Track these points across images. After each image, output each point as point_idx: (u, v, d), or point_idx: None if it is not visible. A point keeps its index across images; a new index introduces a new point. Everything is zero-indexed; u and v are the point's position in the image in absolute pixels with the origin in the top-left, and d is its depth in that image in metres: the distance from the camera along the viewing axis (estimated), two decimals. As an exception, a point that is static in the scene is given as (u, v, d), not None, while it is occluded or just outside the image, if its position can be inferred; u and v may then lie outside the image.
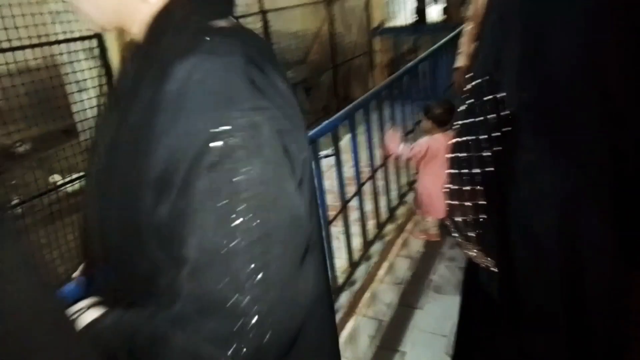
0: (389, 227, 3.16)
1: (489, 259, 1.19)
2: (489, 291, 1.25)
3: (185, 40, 0.64)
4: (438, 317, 2.39)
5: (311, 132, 2.31)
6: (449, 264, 2.82)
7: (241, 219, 0.59)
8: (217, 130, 0.59)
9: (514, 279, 1.16)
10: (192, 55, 0.62)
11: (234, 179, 0.59)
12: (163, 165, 0.60)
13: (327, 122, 2.43)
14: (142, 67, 0.66)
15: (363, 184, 2.84)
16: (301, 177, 0.69)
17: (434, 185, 2.95)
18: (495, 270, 1.18)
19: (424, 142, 2.98)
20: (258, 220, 0.60)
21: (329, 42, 6.28)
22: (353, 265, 2.71)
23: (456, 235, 1.21)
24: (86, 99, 2.81)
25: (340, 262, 2.69)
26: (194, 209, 0.59)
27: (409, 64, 3.81)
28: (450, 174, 1.17)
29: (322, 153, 2.63)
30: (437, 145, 2.94)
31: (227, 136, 0.59)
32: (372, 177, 2.99)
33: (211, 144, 0.59)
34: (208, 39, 0.64)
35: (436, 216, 3.05)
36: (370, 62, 7.06)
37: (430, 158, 2.95)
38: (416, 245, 3.09)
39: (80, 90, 2.80)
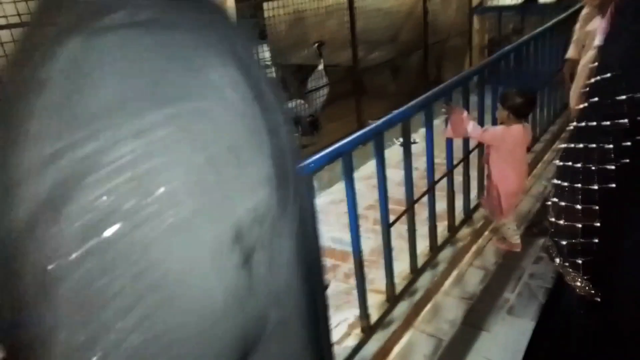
0: (463, 231, 2.83)
1: (596, 291, 1.01)
2: (584, 327, 1.11)
3: (75, 10, 0.41)
4: (506, 343, 2.07)
5: (378, 123, 2.06)
6: (529, 282, 2.46)
7: (104, 320, 0.35)
8: (72, 163, 0.35)
9: (628, 318, 0.99)
10: (73, 35, 0.39)
11: (100, 249, 0.35)
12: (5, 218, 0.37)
13: (397, 111, 2.16)
14: (22, 50, 0.44)
15: (436, 182, 2.53)
16: (255, 239, 0.42)
17: (507, 182, 2.61)
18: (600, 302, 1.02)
19: (499, 129, 2.61)
20: (135, 322, 0.35)
21: (422, 20, 5.85)
22: (416, 271, 2.44)
23: (559, 260, 1.03)
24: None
25: (402, 266, 2.44)
26: (21, 300, 0.36)
27: (507, 47, 3.38)
28: (559, 187, 0.99)
29: (398, 141, 2.38)
30: (513, 137, 2.58)
31: (91, 171, 0.35)
32: (448, 173, 2.67)
33: (62, 187, 0.35)
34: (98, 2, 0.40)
35: (507, 216, 2.70)
36: (468, 43, 6.53)
37: (504, 151, 2.60)
38: (493, 255, 2.74)
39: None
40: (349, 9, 4.39)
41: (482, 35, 6.52)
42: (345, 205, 2.01)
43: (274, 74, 7.10)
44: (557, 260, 1.03)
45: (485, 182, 2.83)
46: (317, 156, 1.71)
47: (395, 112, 2.15)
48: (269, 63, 7.01)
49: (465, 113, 2.57)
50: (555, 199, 1.01)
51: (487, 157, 2.73)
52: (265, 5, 6.11)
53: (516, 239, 2.74)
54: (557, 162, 1.01)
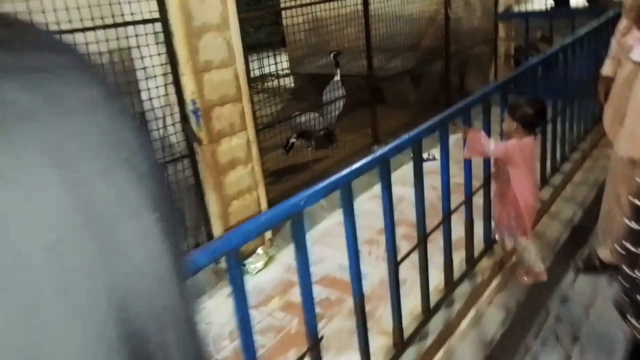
0: (483, 264, 2.58)
1: None
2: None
3: None
4: (530, 403, 1.83)
5: (385, 149, 1.84)
6: (555, 326, 2.20)
7: None
8: None
9: None
10: None
11: None
12: None
13: (407, 135, 1.94)
14: None
15: (452, 212, 2.30)
16: None
17: (527, 196, 2.40)
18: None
19: (516, 142, 2.37)
20: None
21: (445, 27, 5.60)
22: (428, 311, 2.20)
23: (635, 321, 0.89)
24: (153, 87, 2.59)
25: (414, 302, 2.21)
26: None
27: (533, 60, 3.12)
28: (635, 233, 0.84)
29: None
30: (529, 148, 2.38)
31: None
32: (466, 201, 2.44)
33: None
34: None
35: (527, 235, 2.45)
36: (493, 50, 6.24)
37: (521, 164, 2.37)
38: (516, 291, 2.48)
39: (147, 78, 2.58)
40: (364, 16, 4.18)
41: (508, 42, 6.23)
42: (358, 224, 1.78)
43: (292, 84, 6.96)
44: (633, 321, 0.89)
45: (496, 203, 2.56)
46: (311, 190, 1.50)
47: (405, 136, 1.93)
48: (287, 72, 6.86)
49: (482, 132, 2.36)
50: (630, 247, 0.84)
51: (498, 174, 2.49)
52: (284, 13, 5.97)
53: (540, 266, 2.49)
54: (635, 200, 0.86)
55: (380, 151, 1.83)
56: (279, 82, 5.94)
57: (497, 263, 2.62)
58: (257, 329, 2.41)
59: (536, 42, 6.12)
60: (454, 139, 2.28)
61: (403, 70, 5.69)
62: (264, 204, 2.99)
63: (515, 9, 6.31)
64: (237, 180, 2.80)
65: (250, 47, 6.70)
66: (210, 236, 2.79)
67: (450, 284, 2.35)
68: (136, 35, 2.42)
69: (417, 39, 5.87)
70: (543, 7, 6.69)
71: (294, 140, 4.50)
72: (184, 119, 2.55)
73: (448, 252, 2.33)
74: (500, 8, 6.07)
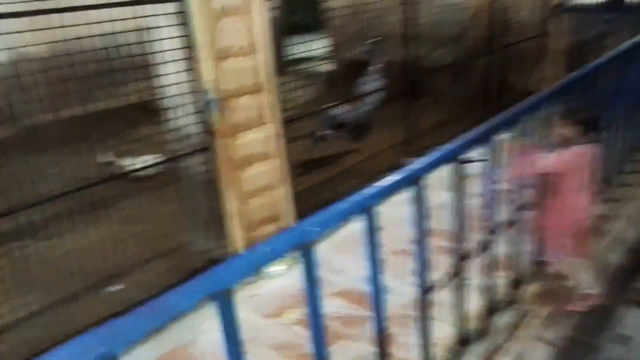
0: (530, 289, 2.27)
1: None
2: None
3: None
4: None
5: (417, 166, 1.55)
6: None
7: None
8: None
9: None
10: None
11: None
12: None
13: (443, 149, 1.65)
14: None
15: (487, 244, 1.99)
16: None
17: (579, 211, 2.15)
18: None
19: (569, 155, 2.09)
20: None
21: (493, 19, 5.19)
22: (460, 342, 1.92)
23: None
24: (169, 73, 2.35)
25: (443, 331, 1.91)
26: None
27: (594, 63, 2.72)
28: None
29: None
30: (586, 157, 2.12)
31: None
32: (516, 217, 2.14)
33: None
34: None
35: (579, 254, 2.18)
36: (543, 47, 5.79)
37: (576, 176, 2.11)
38: (569, 324, 2.15)
39: (163, 63, 2.35)
40: (403, 3, 3.85)
41: (561, 38, 5.76)
42: (387, 233, 1.58)
43: (329, 69, 6.68)
44: None
45: (546, 219, 2.25)
46: (329, 214, 1.25)
47: (442, 149, 1.64)
48: (325, 57, 6.58)
49: (535, 150, 2.08)
50: None
51: (549, 186, 2.19)
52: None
53: (593, 289, 2.19)
54: None
55: (410, 167, 1.55)
56: (315, 67, 5.67)
57: (547, 289, 2.30)
58: (268, 344, 2.19)
59: (590, 39, 5.64)
60: (499, 138, 1.98)
61: (443, 65, 5.35)
62: (289, 203, 2.74)
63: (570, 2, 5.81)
64: (257, 176, 2.57)
65: (290, 29, 6.46)
66: (222, 234, 2.57)
67: (491, 311, 2.06)
68: (147, 16, 2.19)
69: (463, 30, 5.49)
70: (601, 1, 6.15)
71: (324, 132, 4.27)
72: (200, 109, 2.32)
73: (490, 276, 2.03)
74: (554, 1, 5.60)
